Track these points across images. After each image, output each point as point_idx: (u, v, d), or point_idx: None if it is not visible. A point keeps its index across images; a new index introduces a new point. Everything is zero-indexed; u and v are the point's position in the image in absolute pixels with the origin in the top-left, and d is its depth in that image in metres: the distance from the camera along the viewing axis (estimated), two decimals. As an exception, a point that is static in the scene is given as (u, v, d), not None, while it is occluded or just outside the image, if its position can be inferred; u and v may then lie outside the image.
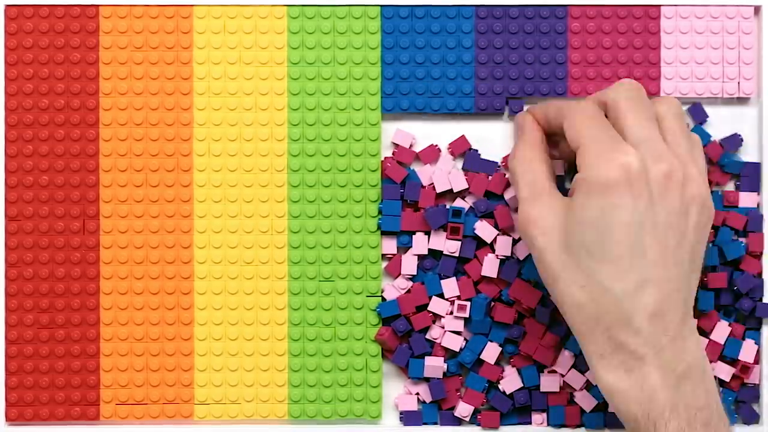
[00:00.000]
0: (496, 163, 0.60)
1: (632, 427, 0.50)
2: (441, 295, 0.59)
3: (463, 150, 0.60)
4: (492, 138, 0.60)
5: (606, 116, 0.53)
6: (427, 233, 0.59)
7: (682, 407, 0.50)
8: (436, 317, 0.60)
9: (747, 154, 0.61)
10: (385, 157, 0.59)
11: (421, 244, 0.59)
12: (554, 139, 0.57)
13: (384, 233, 0.60)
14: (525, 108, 0.59)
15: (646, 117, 0.52)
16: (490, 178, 0.60)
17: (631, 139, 0.51)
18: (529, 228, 0.53)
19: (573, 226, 0.51)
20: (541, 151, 0.55)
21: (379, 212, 0.59)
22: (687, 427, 0.49)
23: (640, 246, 0.50)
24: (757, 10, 0.60)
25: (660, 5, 0.60)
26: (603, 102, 0.53)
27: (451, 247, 0.59)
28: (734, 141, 0.60)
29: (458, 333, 0.59)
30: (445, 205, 0.59)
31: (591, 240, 0.50)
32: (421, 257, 0.60)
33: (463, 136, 0.60)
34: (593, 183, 0.50)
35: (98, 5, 0.59)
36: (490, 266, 0.59)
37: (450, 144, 0.60)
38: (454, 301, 0.59)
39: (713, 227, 0.59)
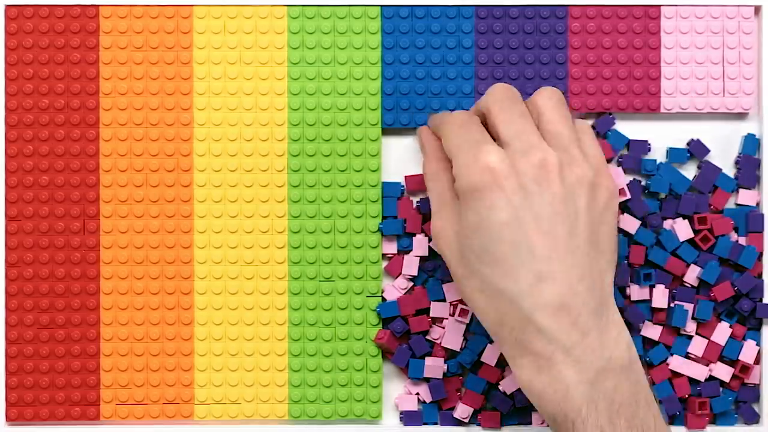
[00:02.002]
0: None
1: (553, 426, 0.49)
2: (442, 300, 0.59)
3: None
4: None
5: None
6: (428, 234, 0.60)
7: (603, 403, 0.48)
8: (436, 320, 0.60)
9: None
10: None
11: (422, 245, 0.59)
12: None
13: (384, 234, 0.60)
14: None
15: (517, 113, 0.51)
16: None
17: (503, 137, 0.51)
18: (436, 240, 0.53)
19: (462, 234, 0.51)
20: (441, 161, 0.55)
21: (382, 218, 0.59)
22: (607, 424, 0.48)
23: (526, 242, 0.49)
24: (757, 10, 0.60)
25: (660, 5, 0.60)
26: (479, 110, 0.54)
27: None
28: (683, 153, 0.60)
29: (458, 334, 0.59)
30: None
31: (478, 245, 0.50)
32: (422, 258, 0.60)
33: None
34: (465, 190, 0.50)
35: (98, 5, 0.59)
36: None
37: None
38: (456, 304, 0.59)
39: (715, 237, 0.59)
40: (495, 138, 0.52)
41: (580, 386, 0.48)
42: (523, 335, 0.49)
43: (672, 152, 0.60)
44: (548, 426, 0.50)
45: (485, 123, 0.53)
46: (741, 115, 0.61)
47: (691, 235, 0.59)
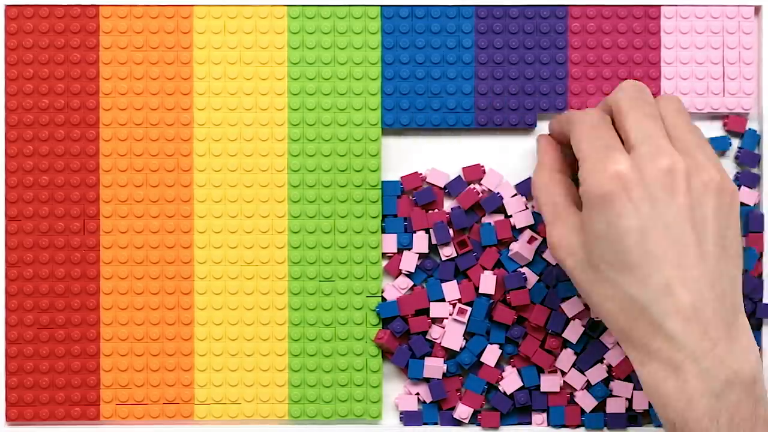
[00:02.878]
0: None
1: (669, 431, 0.49)
2: (442, 300, 0.59)
3: (478, 174, 0.60)
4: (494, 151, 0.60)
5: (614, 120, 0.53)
6: (428, 231, 0.60)
7: (724, 418, 0.48)
8: (436, 320, 0.60)
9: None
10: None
11: (422, 242, 0.59)
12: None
13: (384, 232, 0.60)
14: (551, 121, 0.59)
15: (646, 114, 0.52)
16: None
17: (632, 140, 0.51)
18: (556, 251, 0.53)
19: (589, 241, 0.51)
20: (557, 172, 0.55)
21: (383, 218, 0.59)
22: None
23: (656, 250, 0.49)
24: (757, 10, 0.60)
25: (660, 5, 0.60)
26: (608, 106, 0.53)
27: (447, 251, 0.59)
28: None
29: (458, 334, 0.59)
30: (448, 226, 0.59)
31: (607, 252, 0.50)
32: (421, 256, 0.60)
33: (478, 165, 0.60)
34: (592, 196, 0.50)
35: (98, 5, 0.59)
36: (486, 282, 0.59)
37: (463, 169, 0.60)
38: (455, 304, 0.59)
39: None
40: (623, 138, 0.52)
41: (705, 398, 0.48)
42: (652, 342, 0.49)
43: None
44: (661, 427, 0.50)
45: (613, 120, 0.53)
46: (741, 115, 0.61)
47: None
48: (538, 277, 0.59)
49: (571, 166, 0.56)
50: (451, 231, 0.59)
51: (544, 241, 0.59)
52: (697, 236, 0.49)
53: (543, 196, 0.54)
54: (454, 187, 0.60)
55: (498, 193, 0.59)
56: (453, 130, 0.60)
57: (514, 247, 0.59)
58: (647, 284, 0.49)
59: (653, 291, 0.49)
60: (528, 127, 0.60)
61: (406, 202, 0.60)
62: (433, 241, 0.59)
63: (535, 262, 0.59)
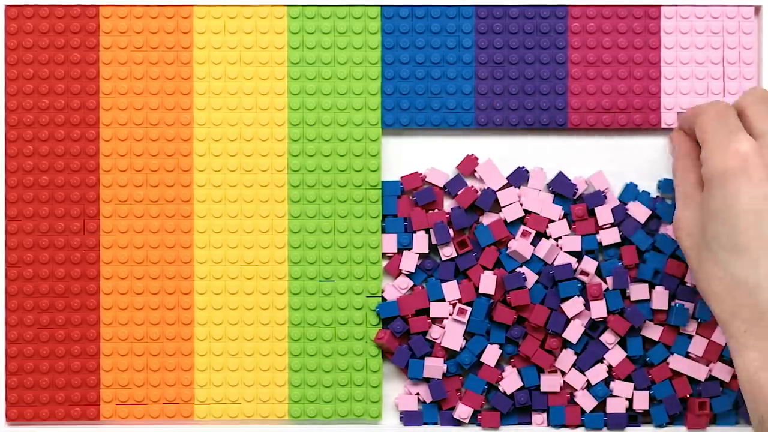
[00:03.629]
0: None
1: (758, 426, 0.49)
2: (442, 300, 0.59)
3: (472, 165, 0.60)
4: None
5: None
6: (428, 231, 0.60)
7: None
8: (436, 320, 0.60)
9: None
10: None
11: (422, 242, 0.59)
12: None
13: (384, 232, 0.60)
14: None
15: None
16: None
17: (757, 130, 0.51)
18: (677, 232, 0.54)
19: (706, 220, 0.51)
20: (689, 160, 0.56)
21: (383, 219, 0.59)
22: None
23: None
24: (757, 10, 0.60)
25: (660, 5, 0.60)
26: (735, 107, 0.54)
27: (447, 251, 0.59)
28: None
29: (458, 334, 0.59)
30: (447, 226, 0.59)
31: (720, 231, 0.50)
32: (421, 256, 0.60)
33: (469, 156, 0.60)
34: (712, 173, 0.51)
35: (98, 5, 0.59)
36: (486, 283, 0.59)
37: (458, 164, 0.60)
38: (455, 304, 0.59)
39: None
40: (748, 130, 0.52)
41: None
42: (756, 327, 0.49)
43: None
44: (748, 422, 0.50)
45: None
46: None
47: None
48: (537, 276, 0.59)
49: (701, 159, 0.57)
50: (451, 231, 0.59)
51: (538, 236, 0.59)
52: None
53: (678, 179, 0.56)
54: (453, 186, 0.60)
55: (489, 188, 0.59)
56: (453, 130, 0.60)
57: (512, 245, 0.59)
58: (758, 267, 0.49)
59: (763, 275, 0.49)
60: (527, 127, 0.60)
61: (406, 202, 0.60)
62: (434, 241, 0.59)
63: (533, 261, 0.59)
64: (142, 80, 0.59)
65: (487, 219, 0.60)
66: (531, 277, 0.59)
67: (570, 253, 0.60)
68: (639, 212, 0.60)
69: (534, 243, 0.59)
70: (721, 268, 0.50)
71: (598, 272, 0.60)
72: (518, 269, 0.59)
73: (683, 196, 0.55)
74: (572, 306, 0.59)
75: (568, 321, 0.59)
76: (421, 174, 0.60)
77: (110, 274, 0.59)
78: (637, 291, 0.59)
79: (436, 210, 0.60)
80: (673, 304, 0.60)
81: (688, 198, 0.54)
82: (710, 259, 0.51)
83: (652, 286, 0.60)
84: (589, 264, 0.59)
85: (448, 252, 0.59)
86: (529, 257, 0.59)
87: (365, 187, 0.59)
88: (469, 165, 0.60)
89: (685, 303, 0.59)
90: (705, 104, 0.55)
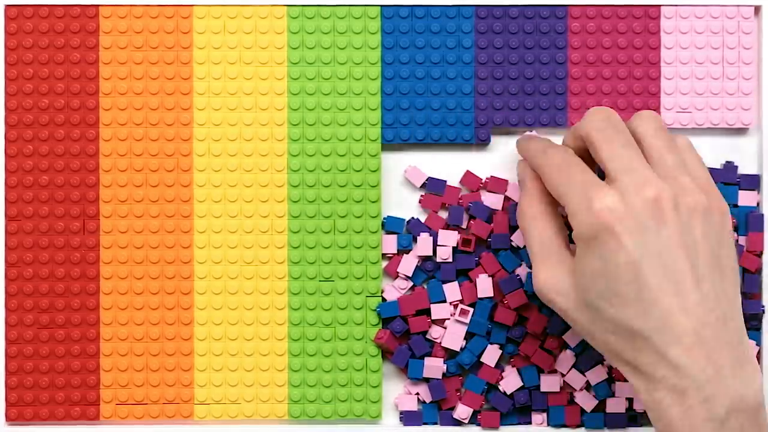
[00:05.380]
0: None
1: None
2: (442, 301, 0.59)
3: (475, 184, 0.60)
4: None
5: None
6: (433, 235, 0.59)
7: None
8: (436, 320, 0.60)
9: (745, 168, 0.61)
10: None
11: (425, 244, 0.59)
12: None
13: (385, 232, 0.60)
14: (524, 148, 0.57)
15: (621, 144, 0.51)
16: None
17: (611, 173, 0.50)
18: (545, 291, 0.52)
19: (584, 281, 0.50)
20: (545, 204, 0.54)
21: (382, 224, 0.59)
22: None
23: (652, 280, 0.48)
24: (757, 10, 0.60)
25: (660, 5, 0.60)
26: (578, 137, 0.53)
27: (444, 253, 0.59)
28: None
29: (459, 334, 0.59)
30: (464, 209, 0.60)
31: (604, 289, 0.49)
32: (423, 258, 0.60)
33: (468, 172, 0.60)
34: (586, 237, 0.49)
35: (98, 5, 0.59)
36: (483, 286, 0.59)
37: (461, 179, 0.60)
38: (457, 304, 0.59)
39: None
40: (601, 168, 0.51)
41: (709, 424, 0.48)
42: (657, 370, 0.49)
43: None
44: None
45: (583, 148, 0.53)
46: (740, 114, 0.61)
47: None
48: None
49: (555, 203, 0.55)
50: (456, 232, 0.59)
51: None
52: (690, 261, 0.49)
53: (531, 230, 0.53)
54: (437, 187, 0.60)
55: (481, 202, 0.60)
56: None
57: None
58: (648, 315, 0.49)
59: (654, 321, 0.48)
60: (527, 127, 0.60)
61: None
62: (440, 241, 0.59)
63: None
64: (141, 80, 0.59)
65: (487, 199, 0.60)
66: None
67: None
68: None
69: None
70: (611, 322, 0.50)
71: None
72: (516, 270, 0.59)
73: (541, 251, 0.53)
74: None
75: (568, 327, 0.59)
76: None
77: (110, 274, 0.59)
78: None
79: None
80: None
81: (547, 252, 0.53)
82: (598, 317, 0.50)
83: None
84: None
85: (447, 253, 0.59)
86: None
87: (365, 188, 0.59)
88: (473, 181, 0.60)
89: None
90: (540, 148, 0.54)
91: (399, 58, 0.60)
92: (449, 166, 0.61)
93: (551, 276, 0.52)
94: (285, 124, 0.59)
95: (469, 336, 0.60)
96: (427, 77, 0.60)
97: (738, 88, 0.60)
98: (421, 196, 0.60)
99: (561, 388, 0.60)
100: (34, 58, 0.59)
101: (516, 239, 0.59)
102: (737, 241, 0.60)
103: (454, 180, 0.60)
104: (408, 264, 0.59)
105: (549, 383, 0.60)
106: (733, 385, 0.48)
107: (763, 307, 0.60)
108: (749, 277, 0.60)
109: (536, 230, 0.53)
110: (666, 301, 0.48)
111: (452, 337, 0.59)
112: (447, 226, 0.60)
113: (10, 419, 0.59)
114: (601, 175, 0.53)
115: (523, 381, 0.59)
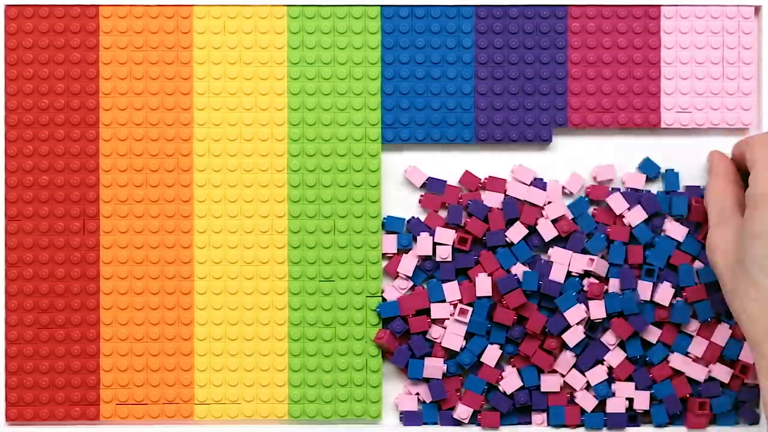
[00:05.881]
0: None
1: None
2: (442, 301, 0.59)
3: (473, 184, 0.60)
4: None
5: None
6: (432, 234, 0.59)
7: None
8: (436, 320, 0.60)
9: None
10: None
11: (425, 244, 0.59)
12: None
13: (385, 232, 0.60)
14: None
15: None
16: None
17: None
18: (712, 253, 0.55)
19: (745, 241, 0.52)
20: (729, 181, 0.57)
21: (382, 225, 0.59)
22: None
23: None
24: (757, 10, 0.60)
25: (660, 5, 0.60)
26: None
27: (443, 252, 0.59)
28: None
29: (459, 334, 0.59)
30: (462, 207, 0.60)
31: (760, 253, 0.51)
32: (422, 258, 0.60)
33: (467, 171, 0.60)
34: (758, 195, 0.51)
35: (98, 5, 0.59)
36: (482, 285, 0.59)
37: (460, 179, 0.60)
38: (456, 304, 0.59)
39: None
40: None
41: None
42: None
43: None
44: (748, 423, 0.51)
45: None
46: (740, 114, 0.61)
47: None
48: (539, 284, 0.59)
49: (739, 182, 0.58)
50: (453, 231, 0.59)
51: (536, 233, 0.59)
52: None
53: (713, 201, 0.56)
54: (438, 187, 0.60)
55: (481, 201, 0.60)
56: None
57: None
58: None
59: None
60: (527, 126, 0.60)
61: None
62: (437, 239, 0.59)
63: (532, 262, 0.59)
64: (141, 80, 0.59)
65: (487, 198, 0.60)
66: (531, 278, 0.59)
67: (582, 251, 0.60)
68: (640, 214, 0.60)
69: (537, 244, 0.59)
70: (757, 289, 0.51)
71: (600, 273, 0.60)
72: (512, 269, 0.59)
73: (718, 216, 0.56)
74: (573, 314, 0.59)
75: (567, 326, 0.59)
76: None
77: (110, 274, 0.59)
78: (643, 290, 0.59)
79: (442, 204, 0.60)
80: (674, 301, 0.59)
81: (722, 218, 0.55)
82: (746, 280, 0.52)
83: (655, 284, 0.60)
84: (601, 265, 0.59)
85: (449, 239, 0.59)
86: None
87: (365, 188, 0.59)
88: (472, 180, 0.60)
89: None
90: (756, 134, 0.57)
91: (399, 58, 0.60)
92: (449, 166, 0.61)
93: (721, 237, 0.54)
94: (285, 124, 0.59)
95: (468, 336, 0.60)
96: (427, 77, 0.60)
97: (738, 88, 0.60)
98: (421, 195, 0.60)
99: (561, 388, 0.60)
100: (34, 58, 0.59)
101: (510, 235, 0.59)
102: None
103: (453, 180, 0.60)
104: (408, 264, 0.59)
105: (549, 383, 0.60)
106: None
107: None
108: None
109: (717, 201, 0.56)
110: None
111: (452, 337, 0.59)
112: (446, 226, 0.60)
113: (10, 419, 0.59)
114: None
115: (523, 381, 0.59)
